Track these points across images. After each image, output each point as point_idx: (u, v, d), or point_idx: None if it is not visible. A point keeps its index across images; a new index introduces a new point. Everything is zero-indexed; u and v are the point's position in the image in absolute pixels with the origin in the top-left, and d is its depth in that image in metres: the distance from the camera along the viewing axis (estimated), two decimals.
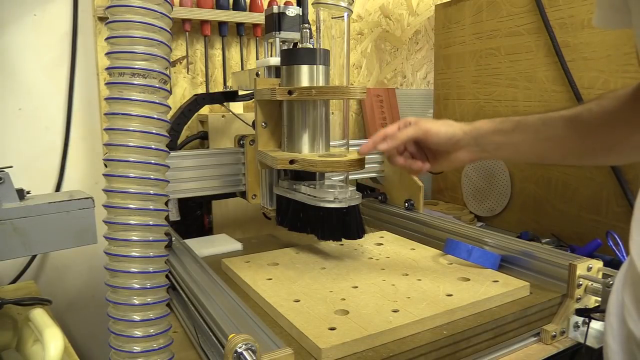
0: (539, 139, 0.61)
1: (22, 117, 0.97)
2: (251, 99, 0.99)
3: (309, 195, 0.76)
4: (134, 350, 0.46)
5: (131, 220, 0.45)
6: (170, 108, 0.48)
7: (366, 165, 0.77)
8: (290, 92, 0.74)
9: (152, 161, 0.46)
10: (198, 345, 0.59)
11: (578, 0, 1.00)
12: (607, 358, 0.44)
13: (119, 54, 0.44)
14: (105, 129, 0.46)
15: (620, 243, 0.78)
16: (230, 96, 1.02)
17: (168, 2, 0.46)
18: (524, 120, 0.63)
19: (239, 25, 1.12)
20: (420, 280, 0.70)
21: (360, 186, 1.19)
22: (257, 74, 0.86)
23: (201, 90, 1.14)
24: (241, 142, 0.88)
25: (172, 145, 0.94)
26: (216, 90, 1.13)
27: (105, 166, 0.46)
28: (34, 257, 0.99)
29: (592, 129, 0.57)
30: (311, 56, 0.75)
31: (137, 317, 0.46)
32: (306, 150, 0.78)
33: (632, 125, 0.54)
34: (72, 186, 1.02)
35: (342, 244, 0.86)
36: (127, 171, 0.45)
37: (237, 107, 1.11)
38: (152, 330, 0.46)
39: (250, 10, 1.13)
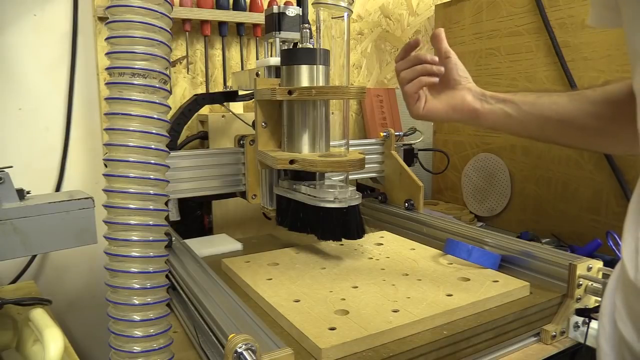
0: (542, 103, 0.63)
1: (21, 117, 0.97)
2: (251, 99, 0.99)
3: (309, 195, 0.76)
4: (134, 350, 0.46)
5: (131, 220, 0.45)
6: (170, 108, 0.48)
7: (366, 165, 0.77)
8: (290, 92, 0.74)
9: (152, 161, 0.46)
10: (198, 345, 0.59)
11: (578, 0, 1.01)
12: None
13: (119, 54, 0.44)
14: (105, 129, 0.46)
15: (620, 243, 0.78)
16: (230, 96, 1.02)
17: (168, 2, 0.46)
18: (526, 91, 0.66)
19: (239, 25, 1.12)
20: (420, 280, 0.70)
21: (360, 186, 1.19)
22: (257, 74, 0.86)
23: (201, 90, 1.14)
24: (241, 142, 0.88)
25: (172, 145, 0.94)
26: (216, 90, 1.13)
27: (105, 166, 0.46)
28: (34, 257, 0.99)
29: (595, 104, 0.59)
30: (311, 56, 0.76)
31: (137, 317, 0.46)
32: (306, 150, 0.78)
33: (629, 112, 0.55)
34: (72, 186, 1.02)
35: (342, 244, 0.86)
36: (127, 171, 0.45)
37: (237, 107, 1.11)
38: (152, 330, 0.46)
39: (250, 10, 1.13)
